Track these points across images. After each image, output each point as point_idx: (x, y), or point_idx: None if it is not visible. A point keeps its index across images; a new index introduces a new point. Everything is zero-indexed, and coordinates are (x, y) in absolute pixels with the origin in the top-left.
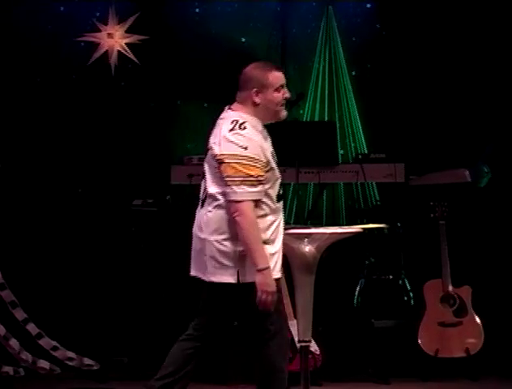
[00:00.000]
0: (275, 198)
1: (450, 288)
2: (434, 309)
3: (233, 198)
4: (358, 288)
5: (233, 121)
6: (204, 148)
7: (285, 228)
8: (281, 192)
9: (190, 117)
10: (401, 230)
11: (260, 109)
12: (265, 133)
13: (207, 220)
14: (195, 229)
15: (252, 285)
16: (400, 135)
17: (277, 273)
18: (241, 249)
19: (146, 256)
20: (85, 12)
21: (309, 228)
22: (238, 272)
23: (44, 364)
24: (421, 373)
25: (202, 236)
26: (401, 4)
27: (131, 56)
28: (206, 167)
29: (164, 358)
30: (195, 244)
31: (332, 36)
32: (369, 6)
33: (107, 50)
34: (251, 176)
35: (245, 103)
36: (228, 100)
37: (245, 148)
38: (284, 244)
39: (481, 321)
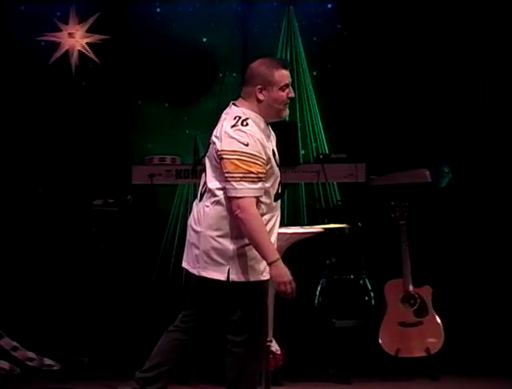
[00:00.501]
0: (273, 196)
1: (411, 287)
2: (395, 309)
3: (233, 194)
4: (319, 288)
5: (236, 117)
6: (206, 142)
7: None
8: (279, 191)
9: (151, 117)
10: (362, 230)
11: (263, 106)
12: (268, 130)
13: (204, 215)
14: (191, 222)
15: (240, 285)
16: (361, 135)
17: (267, 274)
18: (234, 247)
19: (106, 256)
20: (46, 12)
21: None
22: (229, 270)
23: (3, 364)
24: (382, 372)
25: (198, 229)
26: (362, 4)
27: (92, 56)
28: (206, 161)
29: (124, 358)
30: (189, 236)
31: (293, 36)
32: (329, 6)
33: (68, 50)
34: (251, 172)
35: (248, 99)
36: (189, 100)
37: (246, 145)
38: None
39: (441, 320)
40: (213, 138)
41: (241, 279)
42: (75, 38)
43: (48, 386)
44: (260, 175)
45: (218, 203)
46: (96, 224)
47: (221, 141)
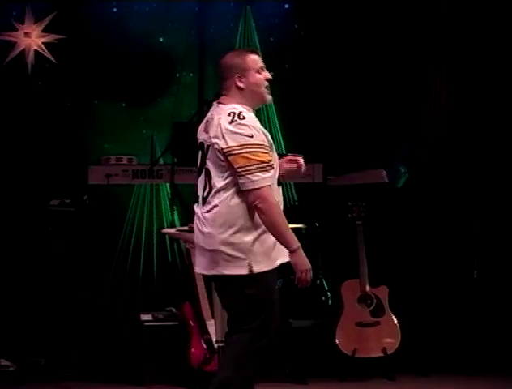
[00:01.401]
0: (276, 181)
1: (367, 288)
2: (351, 309)
3: (251, 186)
4: (276, 287)
5: (230, 113)
6: (198, 147)
7: None
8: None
9: (108, 117)
10: (319, 230)
11: (246, 94)
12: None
13: (214, 215)
14: (199, 226)
15: (261, 275)
16: (318, 135)
17: (285, 256)
18: (249, 240)
19: (63, 256)
20: (1, 11)
21: None
22: (249, 264)
23: None
24: (339, 372)
25: (210, 230)
26: (319, 5)
27: (48, 55)
28: (209, 164)
29: (81, 358)
30: (199, 240)
31: (250, 37)
32: (286, 6)
33: (24, 49)
34: (263, 162)
35: (231, 93)
36: (146, 100)
37: (251, 136)
38: None
39: (398, 320)
40: (212, 140)
41: (262, 269)
42: (31, 38)
43: (3, 387)
44: (270, 163)
45: (227, 200)
46: (53, 225)
47: (225, 139)
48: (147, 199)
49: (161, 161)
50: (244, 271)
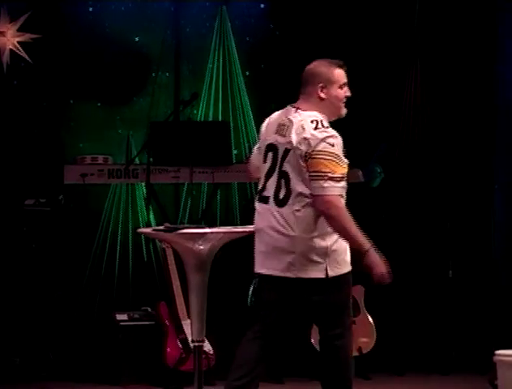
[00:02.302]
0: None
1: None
2: None
3: (321, 192)
4: (252, 288)
5: (313, 120)
6: (266, 148)
7: (179, 228)
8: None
9: (83, 116)
10: None
11: (325, 105)
12: None
13: (296, 218)
14: (276, 227)
15: (337, 279)
16: None
17: (348, 266)
18: (328, 244)
19: (38, 256)
20: None
21: (203, 227)
22: (326, 267)
23: None
24: (314, 372)
25: (291, 233)
26: (294, 4)
27: (24, 54)
28: (287, 167)
29: (56, 358)
30: (274, 241)
31: (226, 36)
32: (262, 6)
33: None
34: (336, 172)
35: (310, 99)
36: (121, 100)
37: (333, 145)
38: (178, 243)
39: (373, 320)
40: (294, 144)
41: (338, 273)
42: (6, 37)
43: None
44: (343, 175)
45: (308, 205)
46: (28, 224)
47: (309, 144)
48: (123, 199)
49: (137, 161)
50: (321, 275)
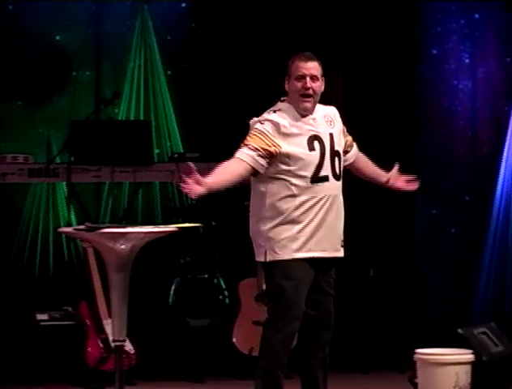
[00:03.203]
0: (309, 178)
1: (265, 286)
2: (249, 308)
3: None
4: (173, 287)
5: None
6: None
7: (100, 228)
8: (322, 174)
9: (4, 115)
10: (216, 229)
11: (290, 97)
12: (301, 117)
13: (252, 203)
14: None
15: (274, 264)
16: (215, 134)
17: (305, 252)
18: (266, 228)
19: None
20: None
21: (124, 227)
22: (266, 252)
23: None
24: (236, 371)
25: (250, 218)
26: (215, 4)
27: None
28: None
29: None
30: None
31: (147, 35)
32: (184, 5)
33: None
34: (250, 142)
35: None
36: (42, 99)
37: (262, 123)
38: (99, 243)
39: None
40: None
41: (276, 258)
42: None
43: None
44: (258, 148)
45: (255, 190)
46: None
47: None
48: (44, 198)
49: (58, 160)
50: (262, 259)
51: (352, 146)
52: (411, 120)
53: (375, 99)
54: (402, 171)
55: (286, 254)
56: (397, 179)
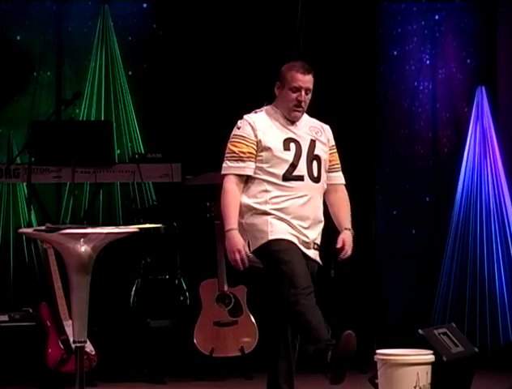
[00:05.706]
0: (280, 176)
1: (226, 287)
2: (210, 309)
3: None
4: (134, 288)
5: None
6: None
7: (60, 228)
8: (296, 174)
9: None
10: (177, 230)
11: (278, 102)
12: (284, 121)
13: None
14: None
15: (258, 251)
16: (177, 135)
17: (266, 236)
18: (243, 221)
19: None
20: None
21: (85, 228)
22: (249, 242)
23: None
24: (197, 372)
25: None
26: (177, 4)
27: None
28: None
29: None
30: None
31: (109, 36)
32: (145, 5)
33: None
34: (234, 152)
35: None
36: (2, 99)
37: (238, 128)
38: (60, 244)
39: (256, 320)
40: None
41: (257, 245)
42: None
43: None
44: (241, 154)
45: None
46: None
47: None
48: (4, 199)
49: (18, 160)
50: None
51: (334, 171)
52: (372, 120)
53: (336, 100)
54: (362, 171)
55: (264, 239)
56: (343, 246)
